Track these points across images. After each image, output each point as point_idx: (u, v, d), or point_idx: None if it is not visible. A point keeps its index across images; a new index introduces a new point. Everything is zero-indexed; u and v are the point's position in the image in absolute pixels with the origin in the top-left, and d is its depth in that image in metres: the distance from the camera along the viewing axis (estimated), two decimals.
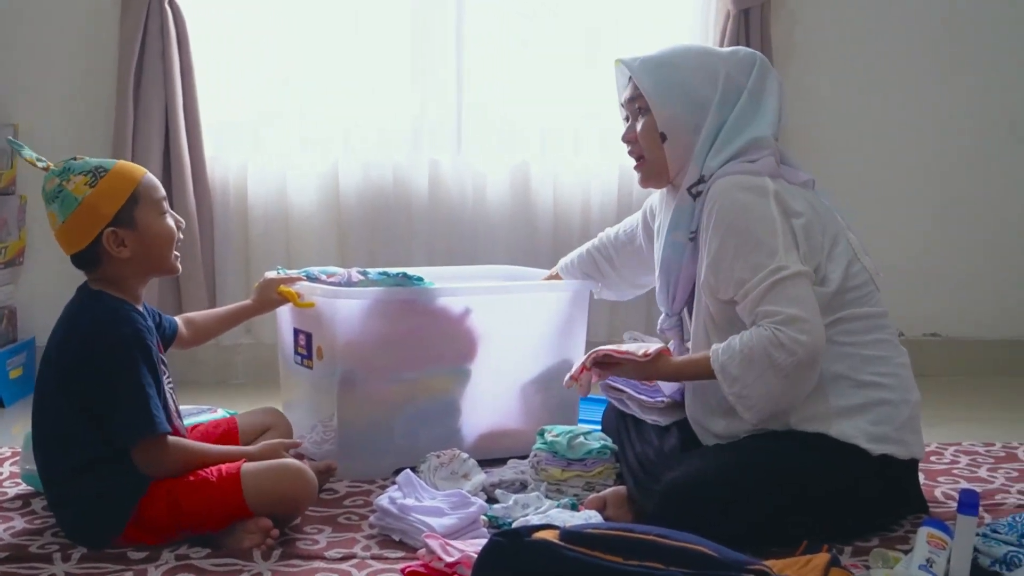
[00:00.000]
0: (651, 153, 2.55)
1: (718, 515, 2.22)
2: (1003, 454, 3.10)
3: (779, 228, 2.34)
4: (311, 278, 2.91)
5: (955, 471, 2.92)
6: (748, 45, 4.13)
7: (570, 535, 1.80)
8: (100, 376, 2.23)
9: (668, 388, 2.66)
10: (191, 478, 2.27)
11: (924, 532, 2.12)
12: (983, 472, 2.92)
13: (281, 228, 4.12)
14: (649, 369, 2.48)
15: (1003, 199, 4.52)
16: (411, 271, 2.95)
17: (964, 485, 2.77)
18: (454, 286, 2.98)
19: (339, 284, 2.89)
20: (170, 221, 2.39)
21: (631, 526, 1.91)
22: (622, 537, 1.80)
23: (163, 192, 2.40)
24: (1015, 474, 2.90)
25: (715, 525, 2.15)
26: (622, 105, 2.65)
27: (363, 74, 4.14)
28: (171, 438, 2.29)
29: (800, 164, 2.56)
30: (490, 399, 2.99)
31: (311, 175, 4.12)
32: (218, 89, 4.06)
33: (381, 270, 2.94)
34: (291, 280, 2.87)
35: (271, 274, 2.92)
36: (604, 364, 2.55)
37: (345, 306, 2.79)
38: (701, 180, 2.46)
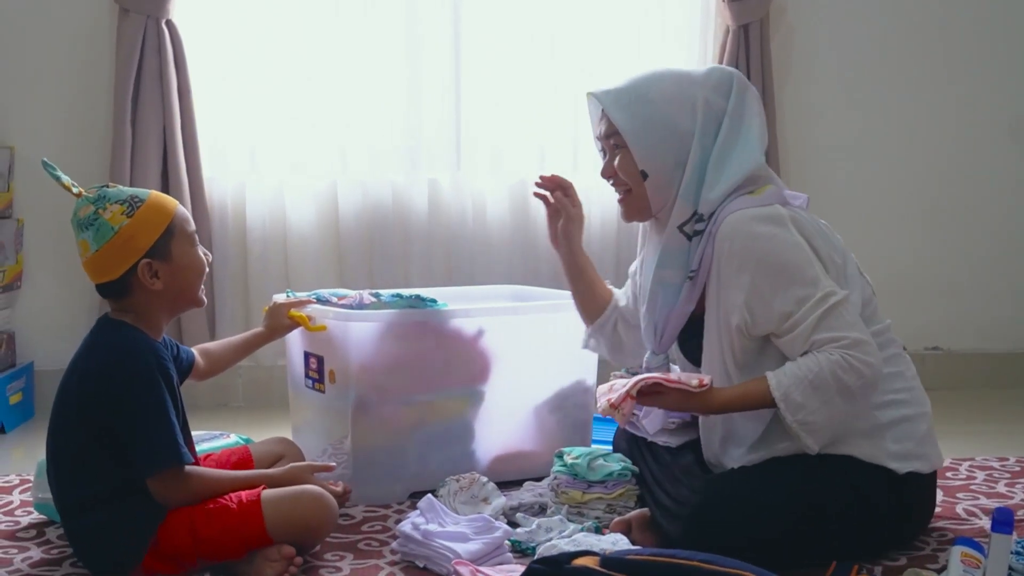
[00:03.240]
0: (634, 189, 2.46)
1: (746, 538, 2.19)
2: (1018, 468, 3.08)
3: (810, 255, 2.28)
4: (321, 301, 2.87)
5: (973, 487, 2.90)
6: (747, 60, 4.13)
7: (611, 562, 1.78)
8: (123, 405, 2.19)
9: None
10: (211, 505, 2.23)
11: (957, 551, 2.10)
12: (1001, 487, 2.90)
13: (279, 249, 4.08)
14: (696, 401, 2.32)
15: (1002, 210, 4.53)
16: (423, 292, 2.91)
17: (984, 501, 2.76)
18: (467, 307, 2.95)
19: (350, 306, 2.86)
20: (201, 254, 2.36)
21: (672, 551, 1.88)
22: (665, 564, 1.78)
23: (194, 225, 2.36)
24: None
25: (743, 548, 2.12)
26: (597, 139, 2.55)
27: (360, 93, 4.10)
28: (189, 467, 2.25)
29: (784, 184, 2.47)
30: (504, 420, 2.96)
31: (309, 196, 4.09)
32: (215, 110, 4.03)
33: (394, 292, 2.91)
34: (301, 303, 2.83)
35: (280, 298, 2.88)
36: (647, 393, 2.35)
37: (358, 329, 2.75)
38: (697, 218, 2.37)
